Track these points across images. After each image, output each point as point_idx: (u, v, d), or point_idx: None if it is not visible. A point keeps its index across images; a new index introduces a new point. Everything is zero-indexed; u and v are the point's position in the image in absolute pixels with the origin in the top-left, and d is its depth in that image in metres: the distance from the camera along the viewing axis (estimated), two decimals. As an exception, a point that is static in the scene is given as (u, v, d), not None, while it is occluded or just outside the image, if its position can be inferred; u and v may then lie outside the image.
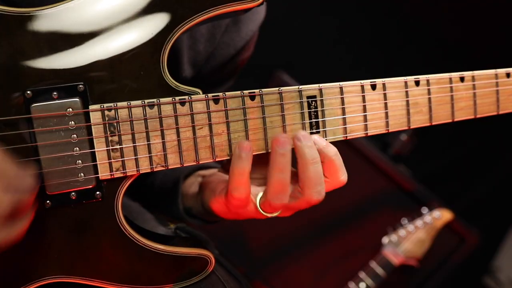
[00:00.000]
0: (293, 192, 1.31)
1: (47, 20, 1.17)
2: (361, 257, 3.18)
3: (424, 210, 3.19)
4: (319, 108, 1.32)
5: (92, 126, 1.18)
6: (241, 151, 1.23)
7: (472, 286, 4.47)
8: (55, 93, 1.16)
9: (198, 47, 1.59)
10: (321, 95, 1.32)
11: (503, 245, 4.39)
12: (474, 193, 4.11)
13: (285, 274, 3.28)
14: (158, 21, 1.22)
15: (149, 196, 1.75)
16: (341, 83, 1.33)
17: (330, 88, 1.33)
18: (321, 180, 1.28)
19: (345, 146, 1.33)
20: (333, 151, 1.30)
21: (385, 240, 3.15)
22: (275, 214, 1.34)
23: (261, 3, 1.27)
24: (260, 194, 1.33)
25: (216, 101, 1.25)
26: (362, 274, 3.10)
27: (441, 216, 3.17)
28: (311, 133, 1.32)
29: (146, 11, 1.22)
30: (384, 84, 1.36)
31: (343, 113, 1.34)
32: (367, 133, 1.37)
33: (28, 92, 1.15)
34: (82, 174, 1.19)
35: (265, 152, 1.30)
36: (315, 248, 3.27)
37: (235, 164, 1.24)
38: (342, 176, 1.33)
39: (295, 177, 1.30)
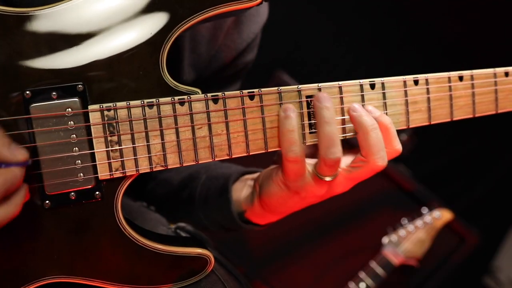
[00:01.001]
0: (355, 162, 1.34)
1: (46, 20, 1.17)
2: (361, 257, 3.18)
3: (424, 210, 3.20)
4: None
5: (92, 126, 1.18)
6: (287, 111, 1.28)
7: (472, 286, 4.47)
8: (54, 93, 1.16)
9: (199, 49, 1.59)
10: None
11: (503, 245, 4.39)
12: (474, 193, 4.11)
13: (285, 274, 3.28)
14: (157, 21, 1.22)
15: (189, 209, 1.71)
16: (340, 82, 1.33)
17: (329, 87, 1.32)
18: (382, 146, 1.31)
19: (345, 146, 1.33)
20: (388, 119, 1.34)
21: (385, 240, 3.15)
22: (334, 176, 1.33)
23: (260, 3, 1.27)
24: (315, 161, 1.34)
25: (215, 101, 1.25)
26: (362, 274, 3.10)
27: (441, 216, 3.17)
28: (310, 133, 1.32)
29: (145, 10, 1.22)
30: (383, 84, 1.36)
31: (342, 112, 1.34)
32: None
33: (27, 92, 1.14)
34: (81, 174, 1.19)
35: (264, 151, 1.30)
36: (315, 248, 3.27)
37: (284, 124, 1.28)
38: (398, 145, 1.36)
39: (355, 149, 1.34)
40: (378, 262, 3.11)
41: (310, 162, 1.35)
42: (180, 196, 1.73)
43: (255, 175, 1.55)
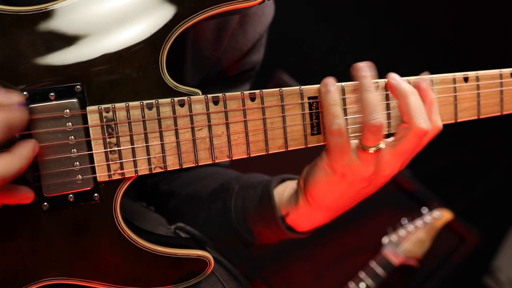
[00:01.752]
0: (398, 133, 1.34)
1: (44, 20, 1.16)
2: (361, 257, 3.18)
3: (424, 210, 3.19)
4: (320, 109, 1.31)
5: (90, 128, 1.17)
6: (327, 86, 1.30)
7: (472, 286, 4.47)
8: (52, 94, 1.15)
9: (203, 51, 1.58)
10: None
11: (503, 245, 4.39)
12: (474, 193, 4.11)
13: (285, 274, 3.28)
14: (157, 20, 1.21)
15: (224, 223, 1.64)
16: (343, 83, 1.32)
17: None
18: (423, 109, 1.32)
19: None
20: (433, 95, 1.36)
21: (385, 240, 3.15)
22: (380, 146, 1.31)
23: (262, 2, 1.26)
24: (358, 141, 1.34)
25: (215, 102, 1.24)
26: (362, 274, 3.10)
27: (441, 216, 3.17)
28: (312, 134, 1.30)
29: (145, 10, 1.21)
30: (386, 84, 1.35)
31: (345, 113, 1.32)
32: None
33: (25, 92, 1.13)
34: (79, 176, 1.18)
35: (265, 153, 1.29)
36: (315, 248, 3.27)
37: (326, 98, 1.29)
38: (439, 121, 1.37)
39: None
40: (378, 262, 3.10)
41: (353, 142, 1.33)
42: (212, 209, 1.68)
43: (296, 179, 1.52)
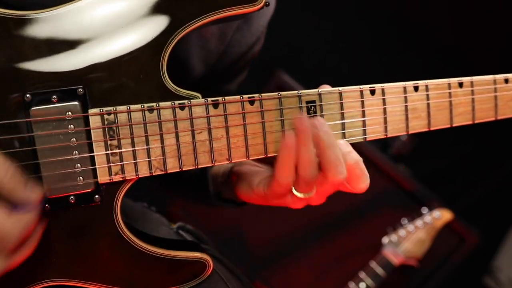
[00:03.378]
0: (318, 180, 1.32)
1: (47, 23, 1.16)
2: (361, 257, 3.18)
3: (424, 210, 3.19)
4: (318, 113, 1.32)
5: (92, 130, 1.18)
6: (288, 140, 1.26)
7: (472, 286, 4.47)
8: (54, 96, 1.16)
9: (209, 46, 1.58)
10: (320, 100, 1.32)
11: (503, 245, 4.39)
12: (474, 193, 4.11)
13: (285, 274, 3.28)
14: (158, 25, 1.22)
15: (176, 185, 1.77)
16: (340, 88, 1.33)
17: (329, 93, 1.32)
18: (340, 161, 1.29)
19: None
20: (354, 158, 1.32)
21: (385, 240, 3.15)
22: (308, 195, 1.33)
23: (262, 7, 1.27)
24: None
25: (215, 105, 1.25)
26: (362, 274, 3.10)
27: (441, 216, 3.17)
28: None
29: (146, 14, 1.21)
30: (383, 90, 1.36)
31: (342, 118, 1.33)
32: (365, 138, 1.37)
33: (28, 95, 1.14)
34: (81, 178, 1.19)
35: (264, 156, 1.30)
36: (315, 248, 3.27)
37: (286, 153, 1.26)
38: (362, 185, 1.35)
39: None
40: (378, 262, 3.11)
41: None
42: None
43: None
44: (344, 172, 1.29)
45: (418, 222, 3.15)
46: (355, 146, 1.35)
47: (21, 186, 1.08)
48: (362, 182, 1.34)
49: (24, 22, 1.15)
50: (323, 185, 1.32)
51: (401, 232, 3.14)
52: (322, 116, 1.32)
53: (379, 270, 3.09)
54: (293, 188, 1.32)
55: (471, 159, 4.04)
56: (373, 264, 3.11)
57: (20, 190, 1.07)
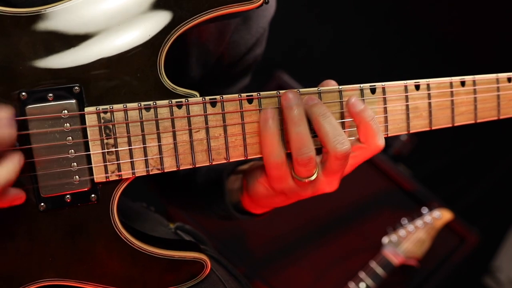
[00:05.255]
0: (321, 159, 1.32)
1: (44, 21, 1.15)
2: (361, 257, 3.18)
3: (424, 210, 3.20)
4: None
5: (88, 129, 1.17)
6: (266, 114, 1.25)
7: (472, 286, 4.47)
8: (50, 94, 1.15)
9: (207, 47, 1.57)
10: (320, 99, 1.30)
11: (503, 245, 4.39)
12: (474, 193, 4.11)
13: (285, 274, 3.28)
14: (155, 23, 1.21)
15: (191, 198, 1.75)
16: (340, 86, 1.32)
17: (329, 91, 1.31)
18: (339, 131, 1.27)
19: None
20: (370, 115, 1.30)
21: (385, 240, 3.15)
22: (312, 177, 1.31)
23: (261, 5, 1.26)
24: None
25: (213, 104, 1.23)
26: (362, 274, 3.11)
27: (441, 216, 3.17)
28: (313, 137, 1.30)
29: (143, 13, 1.20)
30: (383, 88, 1.35)
31: (342, 117, 1.32)
32: None
33: (23, 93, 1.13)
34: (77, 176, 1.18)
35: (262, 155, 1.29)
36: (315, 248, 3.27)
37: (264, 129, 1.26)
38: (380, 140, 1.32)
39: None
40: (378, 262, 3.11)
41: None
42: (185, 187, 1.74)
43: (245, 166, 1.55)
44: (346, 143, 1.27)
45: (418, 222, 3.16)
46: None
47: None
48: (379, 137, 1.32)
49: (20, 20, 1.14)
50: (326, 163, 1.30)
51: (401, 232, 3.15)
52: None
53: (379, 270, 3.09)
54: (292, 172, 1.31)
55: (471, 159, 4.04)
56: (373, 264, 3.11)
57: None
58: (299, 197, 1.38)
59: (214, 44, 1.58)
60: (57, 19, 1.16)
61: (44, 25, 1.15)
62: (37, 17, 1.15)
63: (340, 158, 1.28)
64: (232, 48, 1.63)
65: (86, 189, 1.20)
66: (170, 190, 1.83)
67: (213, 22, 1.27)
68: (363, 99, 1.33)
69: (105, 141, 1.18)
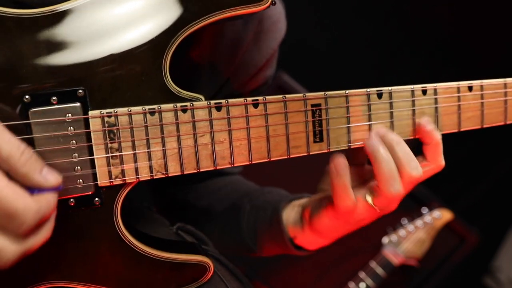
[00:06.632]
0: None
1: (48, 22, 1.14)
2: (361, 257, 3.18)
3: (424, 210, 3.20)
4: (323, 117, 1.30)
5: (92, 133, 1.16)
6: (338, 168, 1.30)
7: (472, 286, 4.48)
8: (54, 98, 1.14)
9: (218, 67, 1.58)
10: (326, 104, 1.30)
11: (503, 245, 4.40)
12: (474, 193, 4.11)
13: (285, 274, 3.28)
14: (161, 25, 1.20)
15: (237, 240, 1.73)
16: (346, 91, 1.31)
17: (335, 96, 1.31)
18: (395, 176, 1.32)
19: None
20: (440, 135, 1.38)
21: (385, 240, 3.16)
22: (388, 209, 1.38)
23: (268, 7, 1.25)
24: (366, 191, 1.37)
25: (218, 108, 1.23)
26: (362, 274, 3.11)
27: (441, 216, 3.17)
28: (315, 142, 1.30)
29: (148, 15, 1.19)
30: (390, 93, 1.34)
31: (348, 122, 1.32)
32: None
33: (27, 96, 1.12)
34: (81, 180, 1.17)
35: (267, 160, 1.28)
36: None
37: (336, 181, 1.31)
38: (443, 160, 1.43)
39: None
40: (378, 262, 3.11)
41: (360, 192, 1.37)
42: (225, 226, 1.76)
43: (302, 201, 1.58)
44: (419, 168, 1.35)
45: (418, 222, 3.16)
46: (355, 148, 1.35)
47: (36, 170, 1.05)
48: (442, 156, 1.42)
49: (24, 21, 1.13)
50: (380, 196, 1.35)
51: (401, 232, 3.15)
52: (327, 120, 1.31)
53: (379, 270, 3.09)
54: (369, 200, 1.36)
55: (471, 159, 4.03)
56: (373, 264, 3.11)
57: (35, 174, 1.04)
58: (364, 222, 1.44)
59: (225, 65, 1.59)
60: (61, 21, 1.15)
61: (47, 27, 1.14)
62: (41, 19, 1.14)
63: (414, 182, 1.36)
64: (242, 68, 1.63)
65: (89, 193, 1.19)
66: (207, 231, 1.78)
67: (218, 24, 1.26)
68: (370, 104, 1.34)
69: (109, 145, 1.17)
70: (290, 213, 1.58)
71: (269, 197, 1.69)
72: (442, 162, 1.43)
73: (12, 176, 1.02)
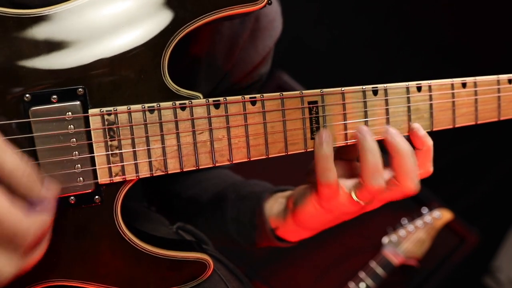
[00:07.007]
0: (388, 185, 1.36)
1: (47, 22, 1.15)
2: (361, 257, 3.18)
3: (424, 210, 3.20)
4: (320, 114, 1.31)
5: (92, 131, 1.17)
6: (321, 138, 1.30)
7: (472, 286, 4.47)
8: (54, 96, 1.15)
9: (216, 64, 1.59)
10: (323, 101, 1.31)
11: (503, 245, 4.39)
12: (474, 193, 4.11)
13: (285, 274, 3.28)
14: (159, 24, 1.21)
15: (222, 229, 1.75)
16: (342, 88, 1.32)
17: (331, 93, 1.32)
18: (416, 172, 1.36)
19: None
20: (430, 143, 1.39)
21: (385, 240, 3.16)
22: (369, 202, 1.38)
23: (264, 6, 1.26)
24: (351, 183, 1.37)
25: (216, 106, 1.24)
26: (362, 274, 3.11)
27: (441, 216, 3.17)
28: (312, 138, 1.31)
29: (147, 14, 1.20)
30: (385, 90, 1.35)
31: (344, 118, 1.33)
32: None
33: (27, 95, 1.13)
34: (81, 178, 1.18)
35: (265, 157, 1.29)
36: (315, 248, 3.27)
37: (319, 150, 1.30)
38: (431, 167, 1.44)
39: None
40: (378, 262, 3.11)
41: (344, 183, 1.37)
42: (210, 216, 1.77)
43: (286, 193, 1.58)
44: (417, 181, 1.37)
45: (418, 222, 3.16)
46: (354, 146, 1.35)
47: (37, 184, 1.06)
48: (431, 164, 1.44)
49: (24, 21, 1.14)
50: (392, 191, 1.37)
51: (401, 232, 3.15)
52: (324, 117, 1.32)
53: (379, 270, 3.09)
54: (352, 193, 1.36)
55: (471, 159, 4.04)
56: (373, 264, 3.11)
57: (36, 188, 1.05)
58: (346, 215, 1.44)
59: (222, 61, 1.60)
60: (60, 21, 1.16)
61: (47, 27, 1.15)
62: (40, 18, 1.15)
63: (407, 194, 1.38)
64: (239, 65, 1.64)
65: (90, 190, 1.20)
66: (192, 220, 1.82)
67: (216, 23, 1.27)
68: (365, 101, 1.35)
69: (109, 143, 1.18)
70: (273, 204, 1.59)
71: (254, 188, 1.70)
72: (430, 168, 1.44)
73: (15, 189, 1.02)
